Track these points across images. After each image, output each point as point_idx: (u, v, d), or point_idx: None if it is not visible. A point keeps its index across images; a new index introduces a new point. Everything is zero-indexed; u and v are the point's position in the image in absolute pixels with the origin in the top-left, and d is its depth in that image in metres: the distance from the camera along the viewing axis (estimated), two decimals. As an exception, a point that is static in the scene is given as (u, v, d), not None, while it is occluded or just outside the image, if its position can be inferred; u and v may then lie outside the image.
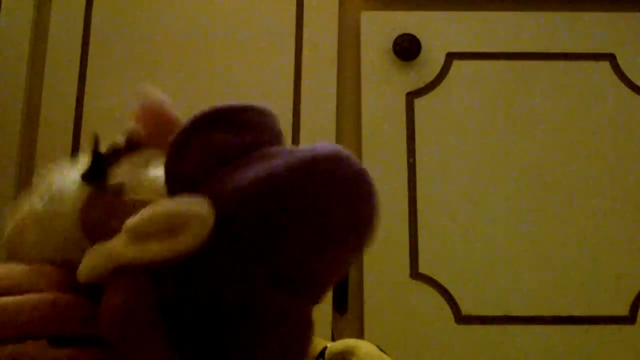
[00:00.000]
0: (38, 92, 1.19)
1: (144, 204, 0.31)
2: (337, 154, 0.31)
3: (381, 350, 0.47)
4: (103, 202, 0.32)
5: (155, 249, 0.29)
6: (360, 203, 0.31)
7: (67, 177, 0.34)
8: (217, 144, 0.31)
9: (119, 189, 0.32)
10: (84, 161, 0.34)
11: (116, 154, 0.33)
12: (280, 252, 0.30)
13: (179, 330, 0.30)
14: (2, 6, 1.22)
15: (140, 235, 0.30)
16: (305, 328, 0.31)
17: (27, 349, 0.29)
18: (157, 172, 0.33)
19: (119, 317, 0.29)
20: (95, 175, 0.33)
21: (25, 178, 1.15)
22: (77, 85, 1.19)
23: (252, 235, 0.29)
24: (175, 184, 0.31)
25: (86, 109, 1.18)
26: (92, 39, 1.21)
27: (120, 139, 0.34)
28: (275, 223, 0.29)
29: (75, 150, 1.16)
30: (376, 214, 0.32)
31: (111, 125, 1.16)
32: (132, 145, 0.34)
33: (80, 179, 0.33)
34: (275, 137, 0.33)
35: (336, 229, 0.31)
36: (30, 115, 1.18)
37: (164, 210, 0.30)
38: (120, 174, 0.33)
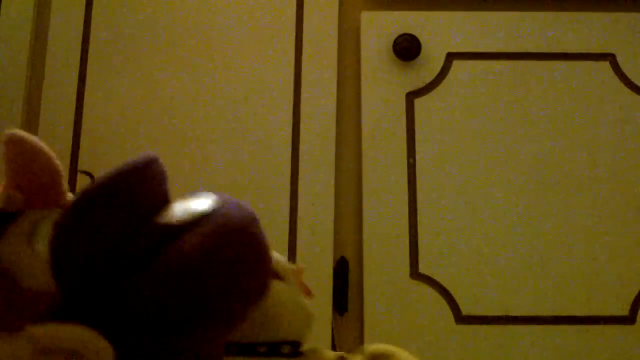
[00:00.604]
0: (38, 92, 1.19)
1: (42, 295, 0.30)
2: (243, 225, 0.32)
3: None
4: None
5: None
6: (264, 261, 0.33)
7: None
8: (105, 227, 0.30)
9: (13, 275, 0.30)
10: None
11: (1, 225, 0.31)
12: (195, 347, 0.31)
13: None
14: (2, 6, 1.22)
15: (46, 350, 0.28)
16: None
17: None
18: (45, 247, 0.31)
19: None
20: None
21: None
22: (77, 85, 1.19)
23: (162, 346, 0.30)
24: (64, 275, 0.29)
25: (86, 109, 1.18)
26: (92, 39, 1.21)
27: None
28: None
29: (75, 151, 1.16)
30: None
31: (111, 125, 1.16)
32: (13, 213, 0.32)
33: None
34: (160, 193, 0.32)
35: (248, 300, 0.33)
36: (30, 115, 1.18)
37: (69, 335, 0.29)
38: (9, 252, 0.30)
